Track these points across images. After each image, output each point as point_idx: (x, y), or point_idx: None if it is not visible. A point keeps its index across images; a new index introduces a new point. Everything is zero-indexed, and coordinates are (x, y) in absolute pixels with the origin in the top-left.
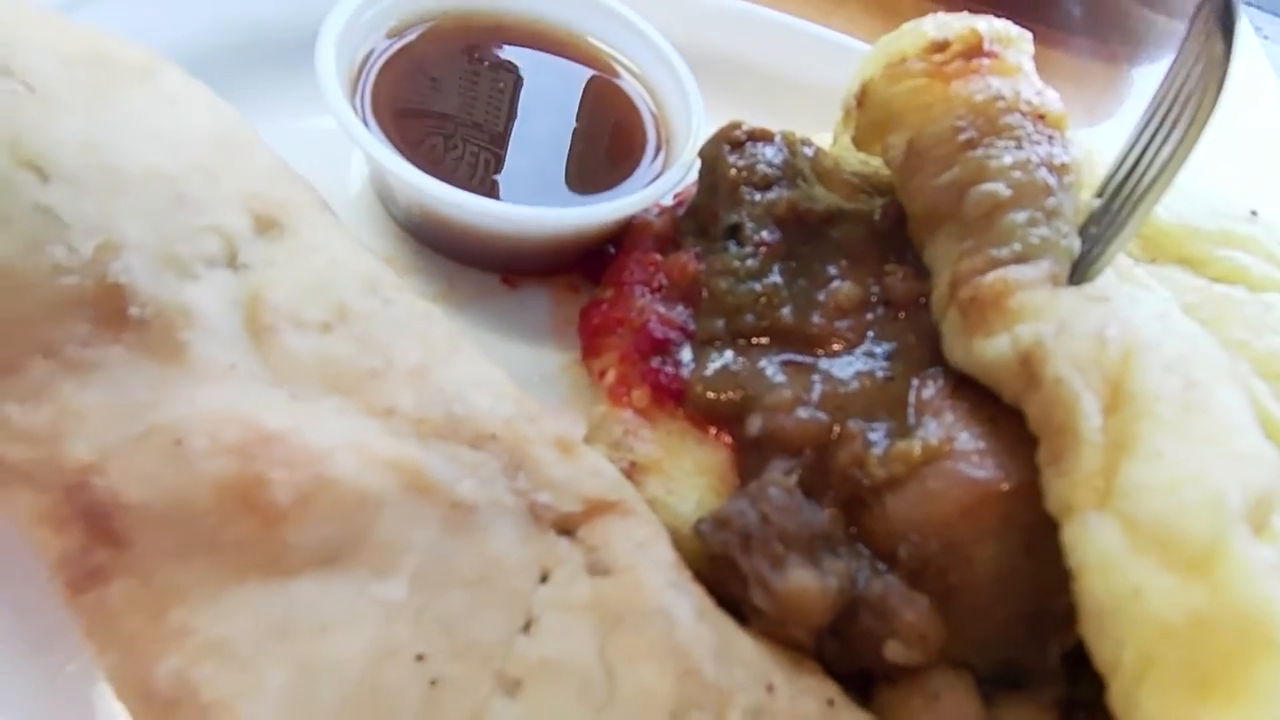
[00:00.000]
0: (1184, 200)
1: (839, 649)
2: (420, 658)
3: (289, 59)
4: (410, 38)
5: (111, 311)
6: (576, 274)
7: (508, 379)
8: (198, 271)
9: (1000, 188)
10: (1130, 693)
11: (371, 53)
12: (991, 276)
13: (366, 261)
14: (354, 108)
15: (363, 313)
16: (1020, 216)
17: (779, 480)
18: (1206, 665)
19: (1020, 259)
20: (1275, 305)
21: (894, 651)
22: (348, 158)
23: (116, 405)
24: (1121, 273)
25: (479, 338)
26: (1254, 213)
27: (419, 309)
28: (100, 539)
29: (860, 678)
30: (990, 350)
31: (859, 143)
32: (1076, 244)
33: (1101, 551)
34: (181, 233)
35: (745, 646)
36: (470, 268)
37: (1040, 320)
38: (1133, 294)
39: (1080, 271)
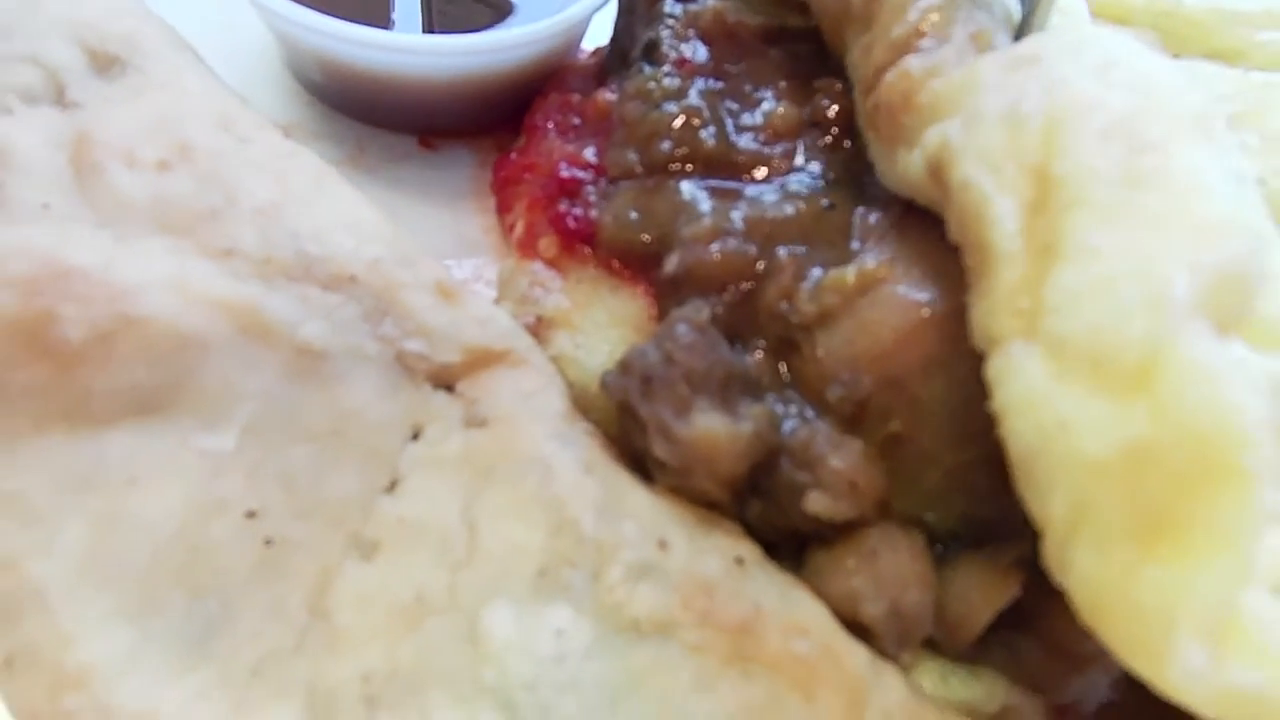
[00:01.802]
0: None
1: (765, 509)
2: (251, 514)
3: None
4: None
5: None
6: (505, 133)
7: (386, 224)
8: (12, 106)
9: None
10: (1062, 551)
11: None
12: (893, 72)
13: (223, 100)
14: None
15: (209, 150)
16: None
17: (687, 316)
18: (1150, 506)
19: (923, 33)
20: None
21: (816, 503)
22: (248, 22)
23: None
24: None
25: (392, 202)
26: None
27: (282, 148)
28: None
29: (794, 542)
30: (908, 165)
31: None
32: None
33: (1021, 388)
34: None
35: (640, 502)
36: (384, 129)
37: (953, 112)
38: (1076, 42)
39: (1026, 34)
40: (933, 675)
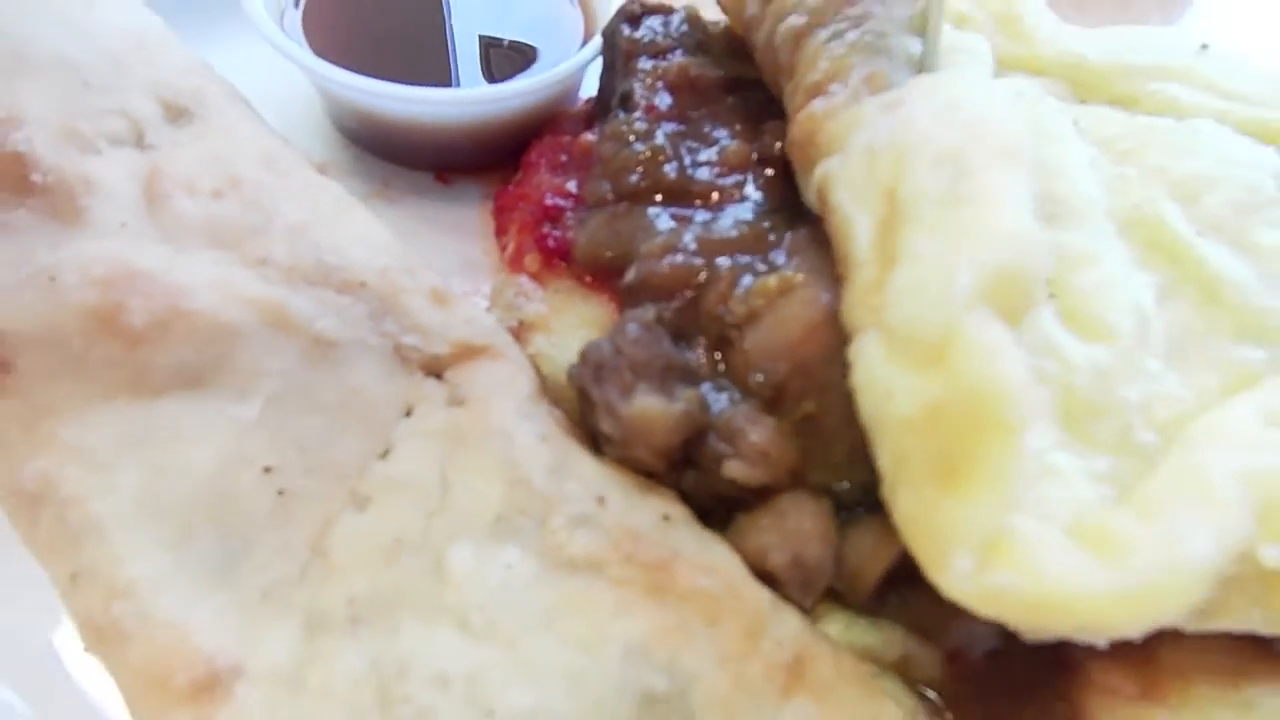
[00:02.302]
0: (1124, 41)
1: (696, 478)
2: (269, 469)
3: None
4: None
5: (15, 178)
6: (510, 169)
7: (395, 242)
8: (100, 147)
9: (797, 18)
10: (890, 495)
11: None
12: (803, 114)
13: (268, 142)
14: (283, 28)
15: (254, 182)
16: (822, 35)
17: (636, 316)
18: (945, 454)
19: (831, 78)
20: (1202, 130)
21: (734, 469)
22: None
23: (17, 258)
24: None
25: (410, 228)
26: (1205, 46)
27: (313, 180)
28: None
29: (723, 509)
30: (810, 191)
31: (724, 9)
32: (909, 43)
33: (865, 367)
34: (85, 113)
35: (585, 466)
36: (406, 167)
37: (840, 148)
38: (932, 87)
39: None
40: (839, 624)
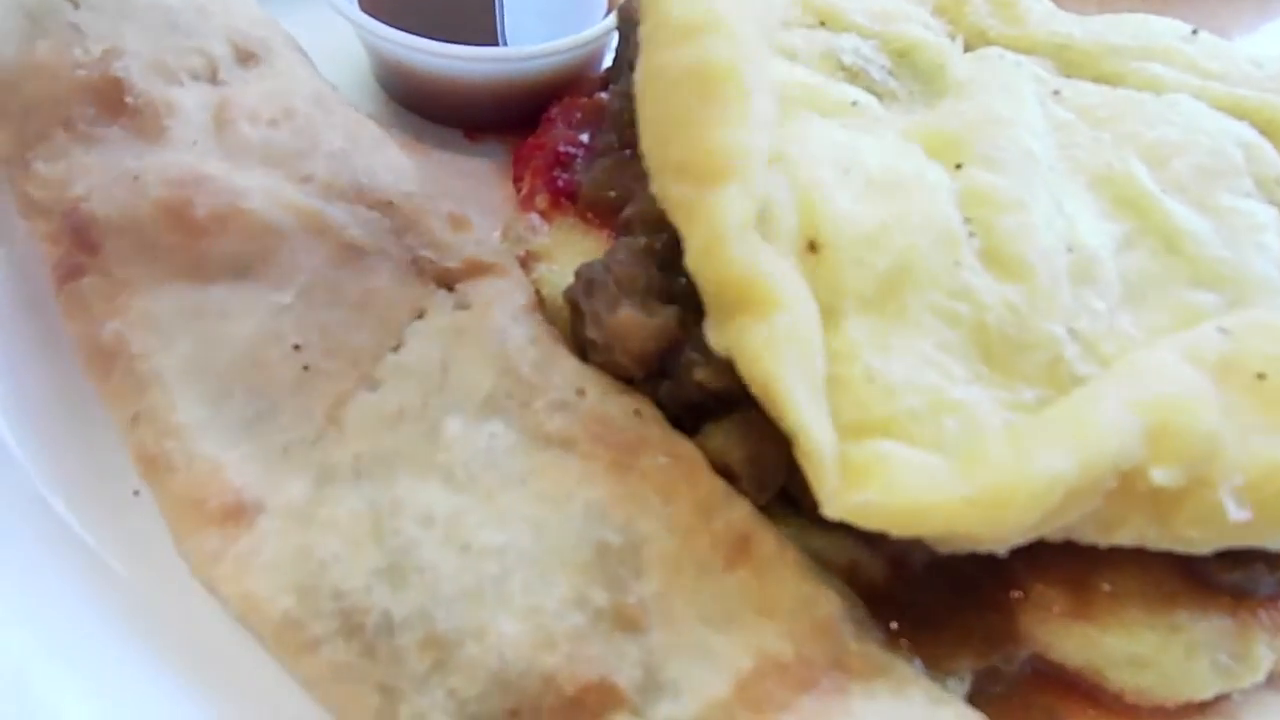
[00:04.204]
0: (1114, 26)
1: (671, 387)
2: (297, 347)
3: None
4: None
5: (111, 99)
6: (532, 130)
7: (419, 173)
8: (182, 79)
9: None
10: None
11: None
12: None
13: (319, 85)
14: None
15: (305, 115)
16: None
17: (627, 242)
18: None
19: None
20: (1179, 103)
21: (703, 374)
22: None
23: (108, 163)
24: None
25: (436, 177)
26: (1194, 31)
27: (355, 118)
28: (80, 246)
29: (694, 419)
30: None
31: None
32: None
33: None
34: (171, 49)
35: (569, 365)
36: (439, 123)
37: None
38: None
39: None
40: (793, 529)
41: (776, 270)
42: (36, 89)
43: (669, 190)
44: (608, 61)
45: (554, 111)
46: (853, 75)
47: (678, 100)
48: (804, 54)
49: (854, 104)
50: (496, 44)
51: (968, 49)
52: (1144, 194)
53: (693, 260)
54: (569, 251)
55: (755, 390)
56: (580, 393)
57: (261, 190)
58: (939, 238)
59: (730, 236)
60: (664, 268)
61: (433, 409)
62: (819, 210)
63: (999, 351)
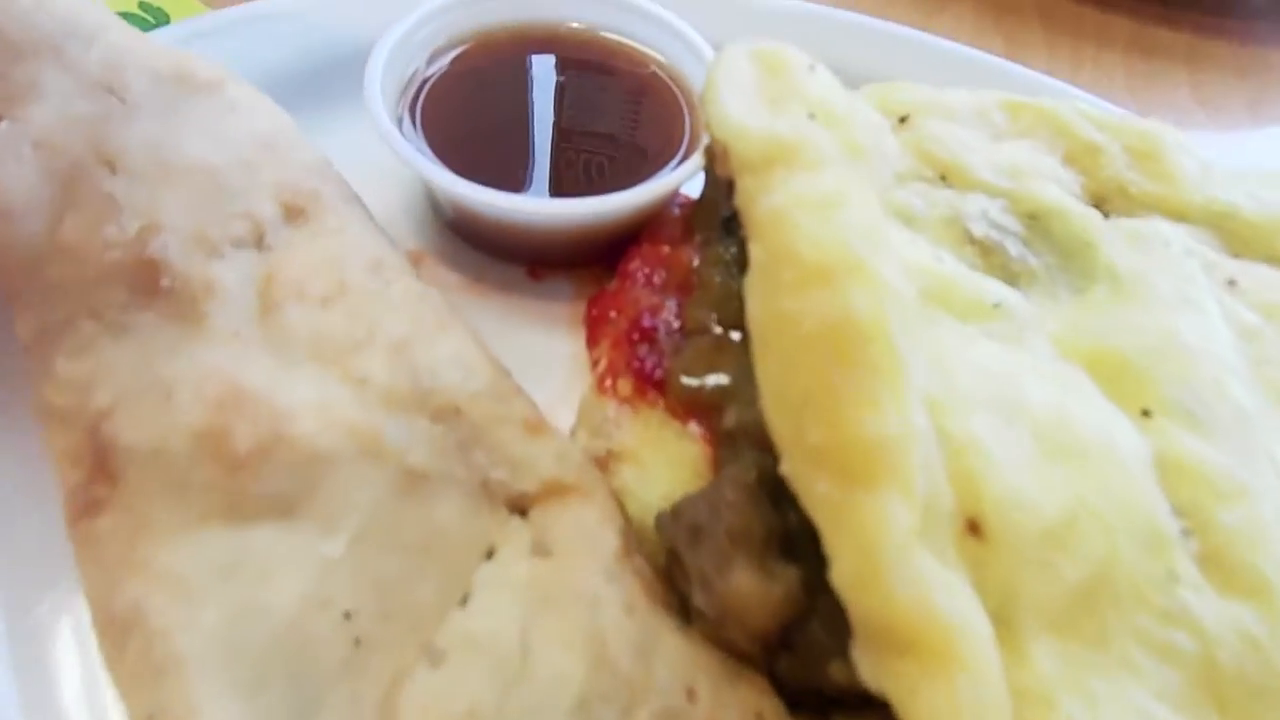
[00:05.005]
0: (1272, 182)
1: (792, 664)
2: (348, 615)
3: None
4: (462, 49)
5: (146, 282)
6: (602, 267)
7: (490, 360)
8: (225, 251)
9: None
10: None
11: (419, 70)
12: None
13: (377, 246)
14: (398, 119)
15: (360, 290)
16: None
17: (737, 474)
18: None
19: None
20: None
21: (840, 672)
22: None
23: (139, 362)
24: None
25: (499, 325)
26: None
27: (416, 290)
28: (101, 475)
29: (820, 701)
30: None
31: None
32: None
33: None
34: (215, 217)
35: (674, 647)
36: (499, 260)
37: None
38: None
39: None
40: None
41: (954, 609)
42: (62, 274)
43: (807, 484)
44: (689, 189)
45: (633, 263)
46: (985, 251)
47: (812, 364)
48: (924, 218)
49: (996, 306)
50: (555, 174)
51: (1108, 209)
52: None
53: (842, 580)
54: (657, 455)
55: None
56: (691, 695)
57: (312, 406)
58: (1143, 536)
59: (891, 562)
60: (778, 497)
61: (511, 713)
62: (981, 483)
63: (1236, 701)
